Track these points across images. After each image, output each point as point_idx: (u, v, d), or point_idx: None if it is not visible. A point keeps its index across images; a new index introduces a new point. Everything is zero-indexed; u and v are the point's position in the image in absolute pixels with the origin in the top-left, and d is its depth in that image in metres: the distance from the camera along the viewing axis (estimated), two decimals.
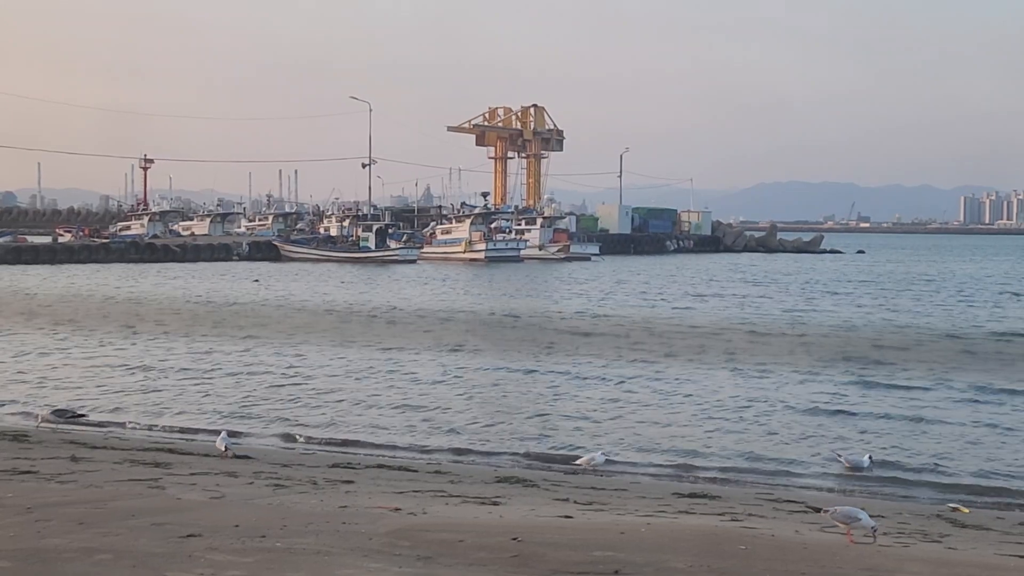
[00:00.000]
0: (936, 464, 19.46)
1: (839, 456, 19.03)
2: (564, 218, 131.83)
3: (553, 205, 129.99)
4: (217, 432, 19.44)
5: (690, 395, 26.65)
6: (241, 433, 21.36)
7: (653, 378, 29.30)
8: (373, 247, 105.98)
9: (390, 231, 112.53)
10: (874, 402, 25.74)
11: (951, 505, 16.01)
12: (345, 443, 21.02)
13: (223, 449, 17.86)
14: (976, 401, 25.79)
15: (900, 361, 33.00)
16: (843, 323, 46.33)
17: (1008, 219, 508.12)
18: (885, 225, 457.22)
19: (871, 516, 11.38)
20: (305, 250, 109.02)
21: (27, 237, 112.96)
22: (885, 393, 26.91)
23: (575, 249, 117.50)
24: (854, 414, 24.13)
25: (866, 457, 18.66)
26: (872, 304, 57.85)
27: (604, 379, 29.07)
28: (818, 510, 11.51)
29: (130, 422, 22.68)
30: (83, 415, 21.97)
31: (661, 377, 29.45)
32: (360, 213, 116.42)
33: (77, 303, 53.83)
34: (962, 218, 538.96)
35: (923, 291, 69.97)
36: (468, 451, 20.50)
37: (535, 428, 22.57)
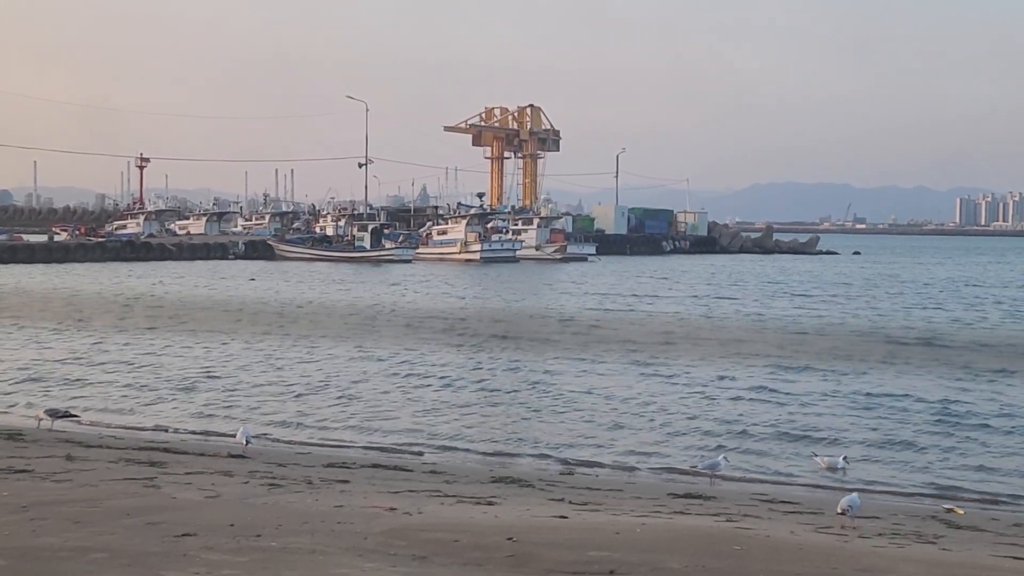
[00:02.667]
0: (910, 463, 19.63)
1: (815, 456, 19.09)
2: (560, 218, 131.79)
3: (549, 205, 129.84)
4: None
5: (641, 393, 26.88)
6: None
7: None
8: (368, 247, 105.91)
9: (386, 231, 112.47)
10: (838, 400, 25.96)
11: (946, 506, 16.03)
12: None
13: (244, 443, 18.57)
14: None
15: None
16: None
17: (1003, 221, 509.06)
18: (881, 226, 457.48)
19: (865, 517, 11.50)
20: (300, 249, 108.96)
21: (23, 235, 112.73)
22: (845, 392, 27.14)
23: (572, 249, 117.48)
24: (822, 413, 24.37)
25: (840, 458, 18.72)
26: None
27: (570, 378, 29.30)
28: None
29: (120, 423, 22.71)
30: (75, 415, 21.92)
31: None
32: (356, 213, 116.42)
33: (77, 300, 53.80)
34: (958, 219, 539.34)
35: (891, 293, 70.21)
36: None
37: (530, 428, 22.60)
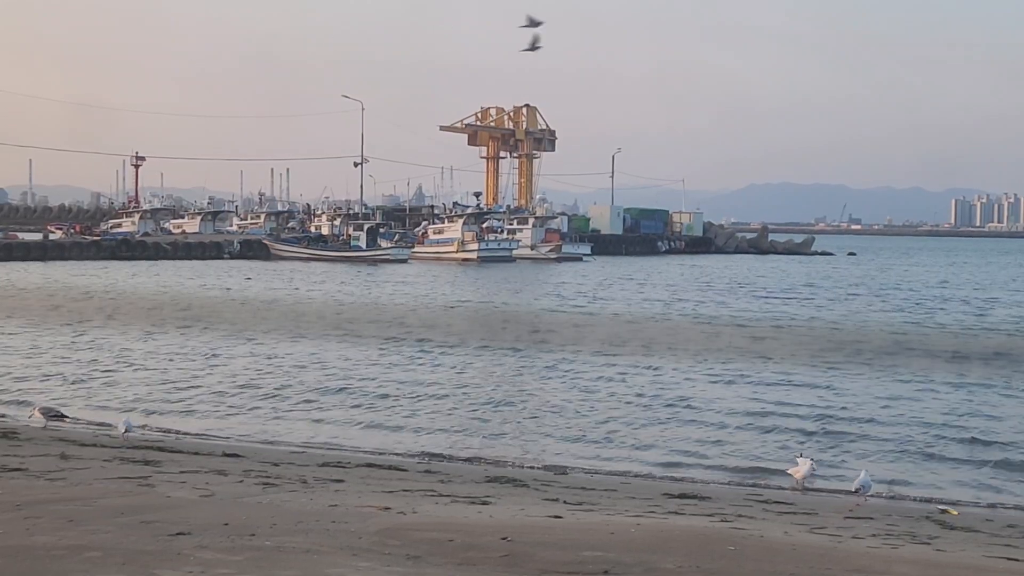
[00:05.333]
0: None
1: (800, 456, 19.09)
2: (556, 218, 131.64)
3: (545, 205, 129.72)
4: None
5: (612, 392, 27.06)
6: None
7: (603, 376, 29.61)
8: (364, 246, 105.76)
9: (382, 230, 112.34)
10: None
11: (940, 507, 16.05)
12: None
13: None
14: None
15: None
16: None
17: (998, 222, 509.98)
18: (876, 227, 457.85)
19: (859, 518, 11.57)
20: (295, 249, 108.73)
21: (18, 234, 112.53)
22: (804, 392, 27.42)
23: (567, 249, 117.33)
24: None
25: (810, 461, 18.75)
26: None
27: (565, 376, 29.30)
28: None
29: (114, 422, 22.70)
30: (65, 416, 21.84)
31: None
32: (351, 212, 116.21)
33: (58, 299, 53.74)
34: (953, 221, 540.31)
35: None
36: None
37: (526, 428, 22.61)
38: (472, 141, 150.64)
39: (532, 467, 18.88)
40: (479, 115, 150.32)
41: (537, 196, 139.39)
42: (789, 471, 17.88)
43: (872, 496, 16.19)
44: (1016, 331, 45.00)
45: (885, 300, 63.78)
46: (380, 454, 19.48)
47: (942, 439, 21.79)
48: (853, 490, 13.79)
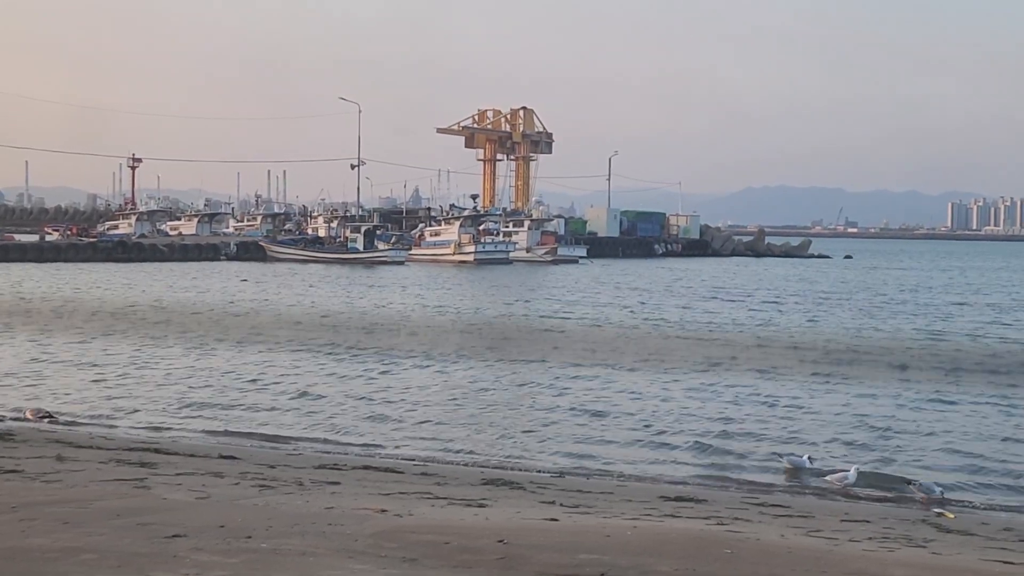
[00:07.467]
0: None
1: (780, 457, 19.09)
2: (552, 220, 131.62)
3: (541, 207, 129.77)
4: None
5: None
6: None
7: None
8: (361, 248, 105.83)
9: (379, 232, 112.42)
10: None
11: (936, 510, 16.06)
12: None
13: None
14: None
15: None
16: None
17: (995, 225, 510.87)
18: (872, 230, 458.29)
19: (856, 521, 11.58)
20: (292, 251, 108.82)
21: (14, 235, 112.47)
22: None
23: (562, 252, 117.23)
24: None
25: (805, 457, 18.72)
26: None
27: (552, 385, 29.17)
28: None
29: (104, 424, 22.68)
30: (52, 416, 21.80)
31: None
32: (348, 214, 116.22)
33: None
34: (949, 224, 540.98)
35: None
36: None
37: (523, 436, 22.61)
38: (469, 143, 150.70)
39: (528, 470, 18.89)
40: (476, 117, 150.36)
41: (534, 198, 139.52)
42: (827, 477, 17.85)
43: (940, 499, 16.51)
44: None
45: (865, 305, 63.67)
46: (376, 456, 19.48)
47: (939, 440, 21.84)
48: (918, 497, 14.51)
